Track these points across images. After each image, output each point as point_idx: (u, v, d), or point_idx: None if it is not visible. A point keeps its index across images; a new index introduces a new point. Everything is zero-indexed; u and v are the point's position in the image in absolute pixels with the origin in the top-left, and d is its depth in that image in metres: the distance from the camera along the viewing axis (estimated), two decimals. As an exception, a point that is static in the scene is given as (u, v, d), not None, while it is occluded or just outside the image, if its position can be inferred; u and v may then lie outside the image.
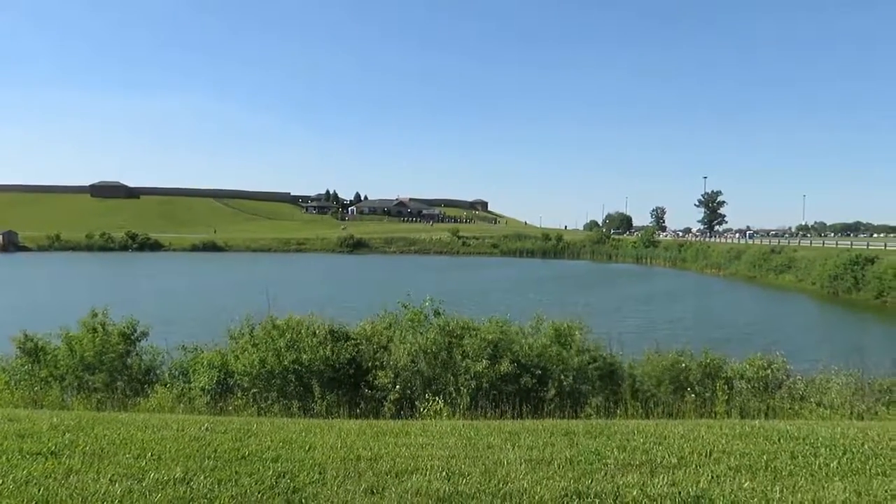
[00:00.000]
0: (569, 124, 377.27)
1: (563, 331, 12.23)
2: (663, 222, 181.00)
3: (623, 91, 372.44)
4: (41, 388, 12.07)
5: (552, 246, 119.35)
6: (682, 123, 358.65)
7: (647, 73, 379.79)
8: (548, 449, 6.19)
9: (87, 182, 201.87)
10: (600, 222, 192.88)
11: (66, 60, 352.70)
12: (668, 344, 13.52)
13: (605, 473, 5.39)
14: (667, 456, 5.93)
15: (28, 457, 5.62)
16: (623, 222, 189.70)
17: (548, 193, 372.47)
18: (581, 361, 11.66)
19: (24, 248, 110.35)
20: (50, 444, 6.02)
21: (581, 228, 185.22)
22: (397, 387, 11.24)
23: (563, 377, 11.39)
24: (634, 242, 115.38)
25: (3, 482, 4.93)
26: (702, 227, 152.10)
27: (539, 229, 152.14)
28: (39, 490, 4.79)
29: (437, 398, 10.75)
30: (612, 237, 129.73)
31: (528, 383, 11.25)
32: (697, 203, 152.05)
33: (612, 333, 15.38)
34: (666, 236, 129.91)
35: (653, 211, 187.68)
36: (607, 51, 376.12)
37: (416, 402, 11.06)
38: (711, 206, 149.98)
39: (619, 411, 11.29)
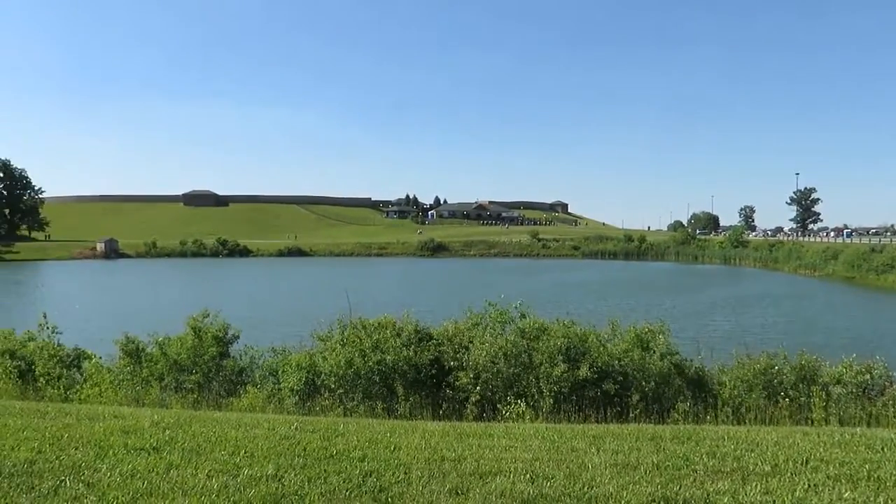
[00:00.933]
0: (651, 124, 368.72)
1: (644, 335, 11.95)
2: (752, 221, 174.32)
3: (708, 89, 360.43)
4: (142, 388, 12.72)
5: (635, 247, 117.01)
6: (771, 120, 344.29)
7: (733, 71, 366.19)
8: (633, 453, 6.09)
9: (180, 191, 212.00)
10: (685, 222, 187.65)
11: (154, 73, 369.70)
12: (760, 349, 13.01)
13: (695, 480, 5.25)
14: (760, 463, 5.73)
15: (132, 452, 5.95)
16: (709, 222, 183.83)
17: (630, 194, 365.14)
18: (664, 366, 11.36)
19: (124, 255, 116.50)
20: (152, 441, 6.35)
21: (665, 229, 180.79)
22: (478, 388, 11.26)
23: (645, 382, 11.13)
24: (722, 243, 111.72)
25: (110, 475, 5.24)
26: (794, 226, 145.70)
27: (621, 231, 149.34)
28: (143, 483, 5.06)
29: (518, 401, 10.71)
30: (697, 238, 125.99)
31: (609, 388, 11.05)
32: (789, 201, 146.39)
33: (699, 337, 14.96)
34: (755, 236, 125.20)
35: (741, 210, 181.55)
36: (689, 50, 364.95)
37: (498, 405, 11.05)
38: (804, 203, 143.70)
39: (707, 417, 10.94)
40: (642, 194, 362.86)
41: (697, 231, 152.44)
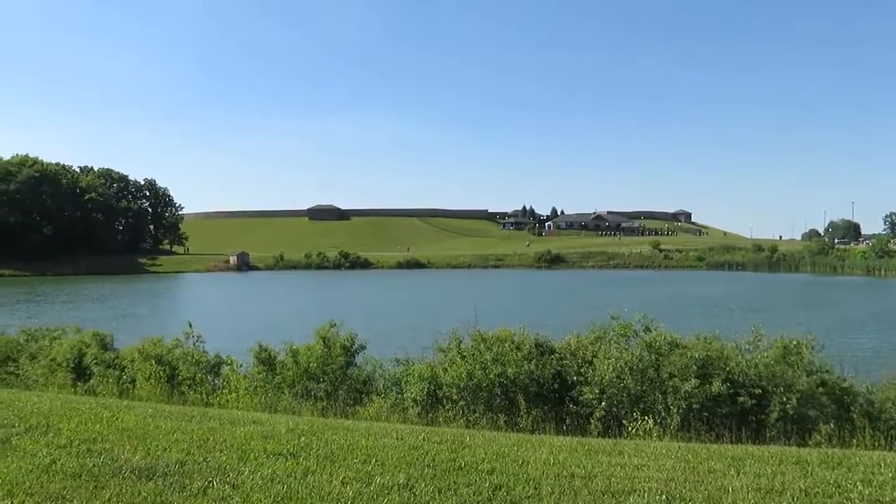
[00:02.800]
0: (779, 127, 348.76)
1: (790, 348, 11.23)
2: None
3: (838, 89, 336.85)
4: (275, 394, 13.33)
5: (765, 258, 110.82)
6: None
7: (866, 69, 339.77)
8: (778, 478, 5.73)
9: (305, 206, 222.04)
10: (821, 231, 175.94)
11: (284, 92, 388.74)
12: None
13: (849, 509, 4.87)
14: (924, 494, 5.24)
15: (271, 457, 6.23)
16: (849, 230, 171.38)
17: (759, 202, 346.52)
18: (810, 383, 10.64)
19: (254, 268, 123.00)
20: (289, 446, 6.63)
21: (798, 238, 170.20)
22: (603, 403, 11.00)
23: (786, 399, 10.46)
24: (864, 252, 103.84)
25: (252, 478, 5.51)
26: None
27: (750, 240, 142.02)
28: (283, 487, 5.29)
29: (645, 417, 10.38)
30: (835, 247, 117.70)
31: (745, 404, 10.47)
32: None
33: (843, 355, 13.92)
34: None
35: (886, 217, 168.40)
36: (815, 49, 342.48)
37: (624, 421, 10.75)
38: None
39: (854, 441, 10.15)
40: (773, 201, 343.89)
41: (836, 240, 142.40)
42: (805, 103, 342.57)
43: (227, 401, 13.00)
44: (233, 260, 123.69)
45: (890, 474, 5.85)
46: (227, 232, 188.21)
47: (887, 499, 5.14)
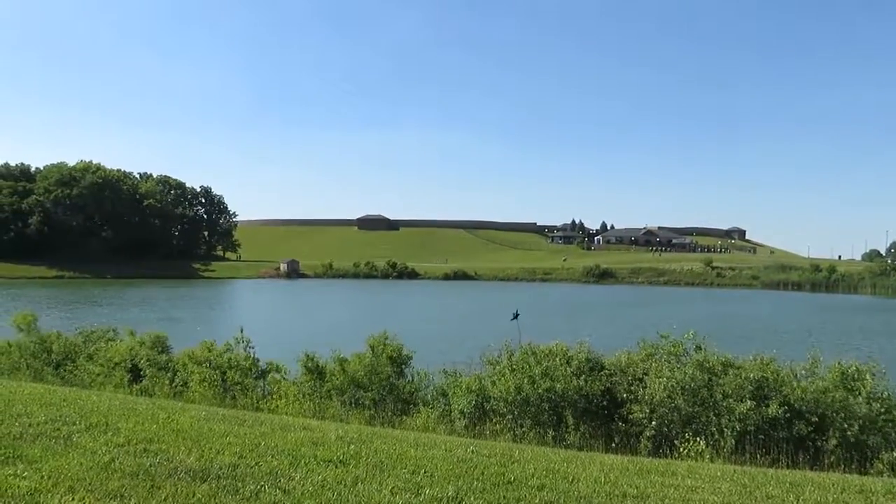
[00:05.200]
0: (839, 143, 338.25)
1: (850, 374, 10.85)
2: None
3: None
4: (323, 402, 13.47)
5: (823, 277, 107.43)
6: None
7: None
8: (840, 507, 5.53)
9: (354, 216, 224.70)
10: (883, 251, 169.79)
11: (335, 102, 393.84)
12: None
13: (918, 543, 4.66)
14: None
15: (322, 463, 6.27)
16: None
17: (816, 220, 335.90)
18: (872, 410, 10.25)
19: (304, 275, 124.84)
20: (338, 453, 6.67)
21: (858, 259, 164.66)
22: (653, 423, 10.80)
23: (847, 426, 10.09)
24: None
25: (303, 484, 5.55)
26: None
27: (807, 259, 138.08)
28: (333, 494, 5.31)
29: (697, 438, 10.14)
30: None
31: (802, 430, 10.15)
32: None
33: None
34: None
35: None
36: (868, 61, 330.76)
37: (675, 441, 10.52)
38: None
39: (920, 471, 9.73)
40: (831, 220, 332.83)
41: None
42: (865, 116, 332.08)
43: (277, 406, 13.20)
44: (283, 267, 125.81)
45: (961, 508, 5.59)
46: (279, 240, 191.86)
47: (959, 534, 4.90)
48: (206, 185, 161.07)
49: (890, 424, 10.36)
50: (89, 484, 5.21)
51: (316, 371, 14.28)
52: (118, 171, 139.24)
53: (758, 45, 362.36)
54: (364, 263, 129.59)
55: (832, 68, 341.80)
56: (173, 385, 14.83)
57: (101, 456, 6.02)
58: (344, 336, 19.88)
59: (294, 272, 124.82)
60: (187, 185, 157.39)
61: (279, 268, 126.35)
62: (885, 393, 10.73)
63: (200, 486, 5.34)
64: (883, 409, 10.43)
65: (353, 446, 7.08)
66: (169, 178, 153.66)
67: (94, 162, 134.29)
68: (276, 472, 5.86)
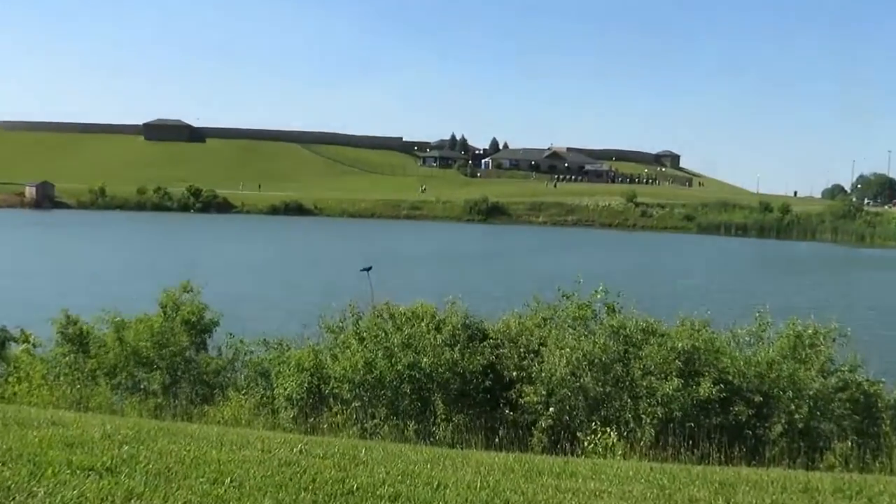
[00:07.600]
0: (802, 51, 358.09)
1: (805, 339, 11.64)
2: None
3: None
4: (86, 386, 13.02)
5: (774, 220, 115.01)
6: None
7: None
8: (779, 510, 5.98)
9: (140, 121, 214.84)
10: (848, 187, 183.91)
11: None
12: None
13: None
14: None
15: (79, 472, 6.02)
16: (883, 188, 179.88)
17: (767, 146, 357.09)
18: (824, 387, 11.10)
19: (62, 204, 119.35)
20: (104, 458, 6.44)
21: (818, 196, 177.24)
22: (551, 409, 11.21)
23: (794, 407, 10.90)
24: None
25: (50, 502, 5.33)
26: None
27: (755, 196, 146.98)
28: (94, 516, 5.15)
29: (607, 428, 10.63)
30: (866, 209, 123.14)
31: (740, 414, 10.87)
32: None
33: (868, 355, 14.56)
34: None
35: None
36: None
37: (578, 433, 10.99)
38: None
39: (877, 463, 10.74)
40: (786, 147, 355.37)
41: (866, 200, 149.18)
42: (837, 21, 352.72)
43: (16, 393, 12.65)
44: (30, 192, 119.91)
45: (923, 507, 6.20)
46: (26, 152, 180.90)
47: (919, 539, 5.44)
48: None
49: (847, 405, 11.25)
50: None
51: (78, 341, 13.76)
52: None
53: None
54: (153, 190, 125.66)
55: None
56: None
57: None
58: (116, 298, 19.21)
59: (47, 199, 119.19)
60: None
61: (24, 193, 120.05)
62: (846, 367, 11.58)
63: None
64: (840, 385, 11.30)
65: (126, 448, 6.87)
66: None
67: None
68: (9, 487, 5.59)
